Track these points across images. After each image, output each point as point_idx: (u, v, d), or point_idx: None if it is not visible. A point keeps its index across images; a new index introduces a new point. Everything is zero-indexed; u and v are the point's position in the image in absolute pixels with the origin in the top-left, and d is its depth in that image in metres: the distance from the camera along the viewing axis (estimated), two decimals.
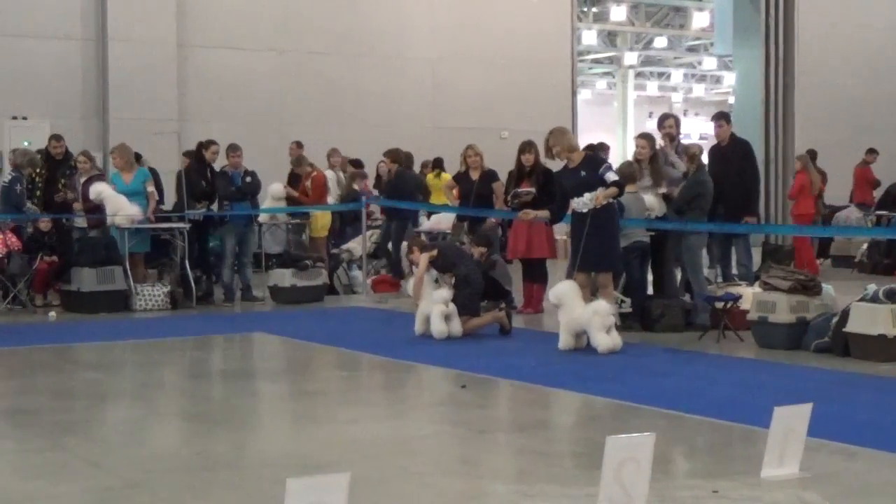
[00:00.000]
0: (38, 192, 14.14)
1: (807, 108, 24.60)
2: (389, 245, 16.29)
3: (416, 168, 19.28)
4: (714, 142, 12.78)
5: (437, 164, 18.23)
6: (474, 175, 13.56)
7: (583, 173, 10.12)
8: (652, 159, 11.73)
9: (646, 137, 12.14)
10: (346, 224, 17.55)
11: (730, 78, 41.35)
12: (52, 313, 13.02)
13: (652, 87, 52.99)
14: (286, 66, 21.23)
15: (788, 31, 24.69)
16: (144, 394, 8.50)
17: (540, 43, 23.46)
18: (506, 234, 15.33)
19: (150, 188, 13.84)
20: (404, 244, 15.65)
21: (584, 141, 14.79)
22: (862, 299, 9.42)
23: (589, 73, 49.47)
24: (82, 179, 14.01)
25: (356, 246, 16.29)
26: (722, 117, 12.88)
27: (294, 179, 16.25)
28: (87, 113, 19.58)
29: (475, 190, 13.46)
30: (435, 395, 8.37)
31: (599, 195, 9.96)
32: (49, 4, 19.33)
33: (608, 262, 10.25)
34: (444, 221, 15.08)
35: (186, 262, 13.89)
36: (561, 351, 9.70)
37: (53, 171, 14.35)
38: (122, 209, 13.43)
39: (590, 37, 40.58)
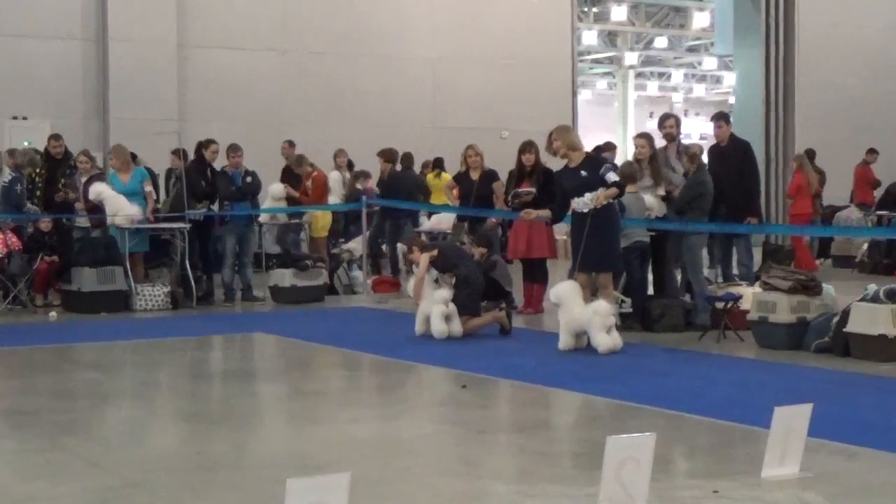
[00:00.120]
0: (38, 192, 14.14)
1: (807, 108, 24.61)
2: (384, 246, 16.32)
3: (417, 168, 19.29)
4: (714, 142, 12.78)
5: (438, 164, 18.24)
6: (474, 175, 13.56)
7: (583, 173, 10.11)
8: (652, 159, 11.72)
9: (645, 137, 12.14)
10: (350, 224, 17.55)
11: (730, 78, 41.34)
12: (53, 313, 13.02)
13: (652, 87, 53.02)
14: (286, 66, 21.24)
15: (789, 31, 24.70)
16: (145, 394, 8.50)
17: (540, 43, 23.47)
18: (506, 235, 15.34)
19: (148, 188, 13.84)
20: (400, 245, 15.72)
21: (584, 141, 14.77)
22: (862, 299, 9.41)
23: (589, 74, 49.49)
24: (83, 179, 14.01)
25: (356, 246, 16.29)
26: (721, 118, 12.88)
27: (287, 177, 16.19)
28: (88, 113, 19.59)
29: (475, 190, 13.46)
30: (435, 395, 8.37)
31: (600, 195, 9.95)
32: (49, 4, 19.34)
33: (608, 262, 10.24)
34: (444, 221, 15.08)
35: (187, 262, 13.89)
36: (561, 351, 9.69)
37: (53, 170, 14.35)
38: (121, 209, 13.43)
39: (590, 37, 40.60)
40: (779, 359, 9.43)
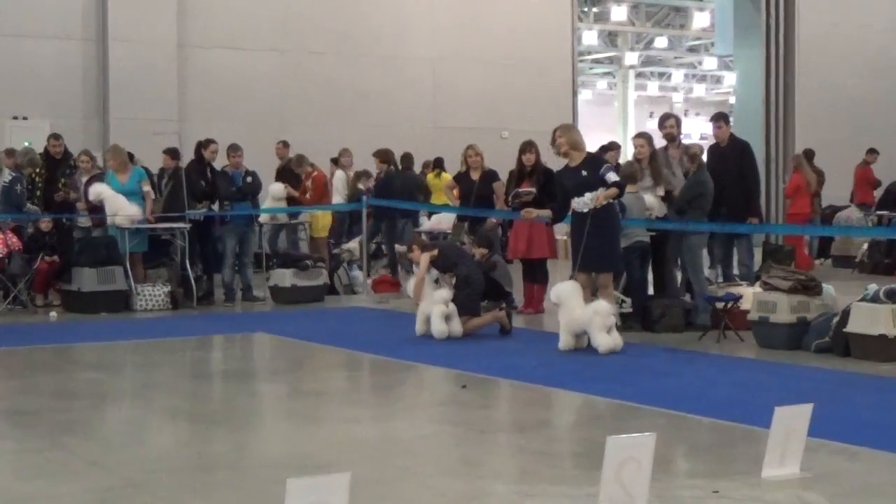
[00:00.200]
0: (38, 192, 14.14)
1: (807, 108, 24.61)
2: (383, 247, 16.33)
3: (417, 168, 19.29)
4: (713, 142, 12.79)
5: (438, 164, 18.24)
6: (475, 175, 13.56)
7: (584, 173, 10.11)
8: (651, 159, 11.72)
9: (644, 137, 12.13)
10: (353, 223, 17.55)
11: (730, 78, 41.35)
12: (53, 313, 13.02)
13: (652, 88, 53.04)
14: (286, 66, 21.22)
15: (789, 31, 24.70)
16: (145, 394, 8.50)
17: (540, 43, 23.46)
18: (506, 235, 15.34)
19: (146, 187, 13.82)
20: (398, 245, 15.72)
21: (585, 141, 14.77)
22: (862, 299, 9.41)
23: (589, 74, 49.50)
24: (84, 179, 14.01)
25: (356, 246, 16.29)
26: (721, 118, 12.87)
27: (281, 178, 16.13)
28: (88, 113, 19.58)
29: (476, 190, 13.46)
30: (435, 396, 8.37)
31: (600, 195, 9.95)
32: (49, 4, 19.33)
33: (608, 262, 10.24)
34: (444, 221, 15.09)
35: (187, 263, 13.90)
36: (561, 351, 9.69)
37: (53, 170, 14.35)
38: (121, 209, 13.43)
39: (590, 37, 40.61)
40: (779, 359, 9.43)
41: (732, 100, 34.12)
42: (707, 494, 5.15)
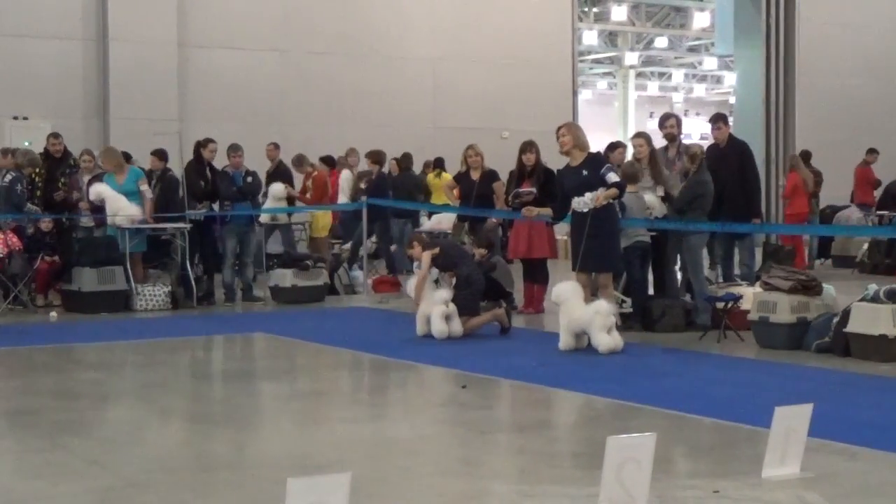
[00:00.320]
0: (38, 192, 14.13)
1: (807, 108, 24.62)
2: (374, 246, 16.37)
3: (418, 168, 19.30)
4: (712, 142, 12.79)
5: (438, 164, 18.24)
6: (475, 175, 13.55)
7: (584, 172, 10.11)
8: (651, 159, 11.72)
9: (642, 136, 12.14)
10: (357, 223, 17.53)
11: (730, 78, 41.38)
12: (53, 313, 13.02)
13: (653, 88, 53.07)
14: (287, 66, 21.23)
15: (789, 31, 24.71)
16: (145, 394, 8.50)
17: (541, 43, 23.47)
18: (506, 235, 15.34)
19: (143, 187, 13.80)
20: (393, 246, 15.72)
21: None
22: (863, 299, 9.41)
23: (590, 74, 49.53)
24: (86, 178, 14.00)
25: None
26: (719, 119, 12.87)
27: (274, 180, 16.05)
28: (88, 113, 19.58)
29: (476, 190, 13.46)
30: (436, 396, 8.37)
31: (599, 195, 9.95)
32: (50, 4, 19.33)
33: (608, 262, 10.24)
34: (444, 221, 15.09)
35: (187, 263, 13.90)
36: (562, 351, 9.69)
37: (53, 169, 14.34)
38: (122, 209, 13.44)
39: (591, 37, 40.63)
40: (779, 359, 9.43)
41: (733, 100, 34.12)
42: (707, 494, 5.15)
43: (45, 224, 13.77)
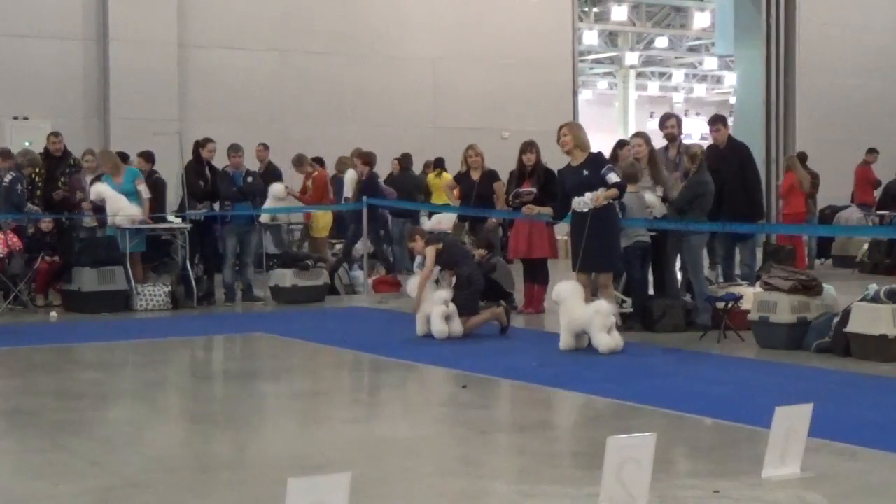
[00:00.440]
0: (38, 192, 14.13)
1: (807, 108, 24.61)
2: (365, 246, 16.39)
3: (418, 168, 19.30)
4: (712, 143, 12.79)
5: (439, 164, 18.23)
6: (475, 175, 13.55)
7: (585, 172, 10.11)
8: (650, 158, 11.72)
9: (642, 136, 12.14)
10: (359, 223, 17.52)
11: (731, 78, 41.38)
12: (54, 313, 13.02)
13: (653, 88, 53.07)
14: (286, 66, 21.22)
15: (789, 31, 24.70)
16: (145, 394, 8.50)
17: (541, 43, 23.45)
18: (506, 235, 15.33)
19: (141, 187, 13.80)
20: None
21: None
22: (863, 299, 9.41)
23: (590, 74, 49.53)
24: (89, 178, 13.99)
25: (357, 246, 16.28)
26: (718, 121, 12.87)
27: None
28: (88, 113, 19.57)
29: (476, 190, 13.46)
30: (436, 396, 8.37)
31: (599, 195, 9.95)
32: (50, 4, 19.32)
33: (608, 262, 10.25)
34: (444, 221, 15.08)
35: (188, 263, 13.90)
36: (562, 351, 9.69)
37: (53, 168, 14.34)
38: (122, 209, 13.44)
39: (591, 37, 40.63)
40: (779, 359, 9.43)
41: (733, 100, 34.12)
42: (707, 494, 5.15)
43: (46, 224, 13.77)
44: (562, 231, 14.44)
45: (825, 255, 19.78)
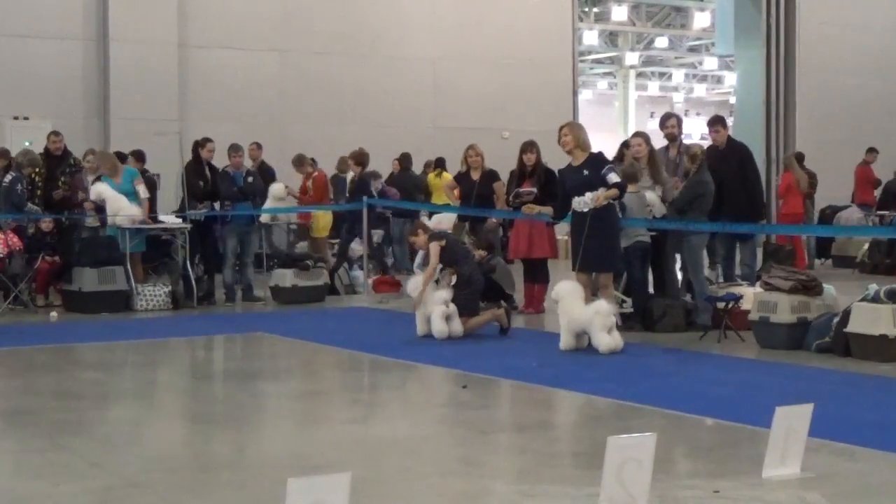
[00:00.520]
0: (38, 192, 14.13)
1: (808, 108, 24.63)
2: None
3: (418, 168, 19.31)
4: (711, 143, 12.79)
5: (440, 164, 18.24)
6: (475, 175, 13.55)
7: (585, 172, 10.11)
8: (650, 158, 11.72)
9: (641, 136, 12.14)
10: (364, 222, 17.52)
11: (731, 78, 41.39)
12: (54, 313, 13.02)
13: (653, 88, 53.10)
14: (287, 66, 21.23)
15: (789, 31, 24.72)
16: (145, 394, 8.50)
17: (541, 43, 23.46)
18: (507, 235, 15.33)
19: (139, 186, 13.79)
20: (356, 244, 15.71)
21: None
22: (863, 299, 9.41)
23: (590, 74, 49.55)
24: (90, 178, 13.99)
25: (357, 246, 16.28)
26: (717, 122, 12.86)
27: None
28: (89, 113, 19.59)
29: (476, 190, 13.45)
30: (436, 396, 8.37)
31: (599, 195, 9.95)
32: (50, 4, 19.33)
33: (608, 262, 10.24)
34: (444, 221, 15.07)
35: (188, 263, 13.90)
36: (562, 351, 9.69)
37: (53, 168, 14.34)
38: (122, 209, 13.44)
39: (591, 37, 40.64)
40: (779, 359, 9.43)
41: (733, 100, 34.13)
42: (708, 494, 5.14)
43: (46, 224, 13.77)
44: (562, 231, 14.44)
45: (825, 255, 19.78)
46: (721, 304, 10.58)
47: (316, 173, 16.85)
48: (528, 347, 10.27)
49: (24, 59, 19.07)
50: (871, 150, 20.99)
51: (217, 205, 14.52)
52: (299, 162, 16.99)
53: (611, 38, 44.23)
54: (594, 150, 10.42)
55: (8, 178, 13.61)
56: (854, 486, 5.40)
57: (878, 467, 5.72)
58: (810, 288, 10.02)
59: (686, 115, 47.58)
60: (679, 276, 11.93)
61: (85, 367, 9.76)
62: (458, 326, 10.65)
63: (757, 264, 13.33)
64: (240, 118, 19.91)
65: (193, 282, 13.90)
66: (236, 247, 14.39)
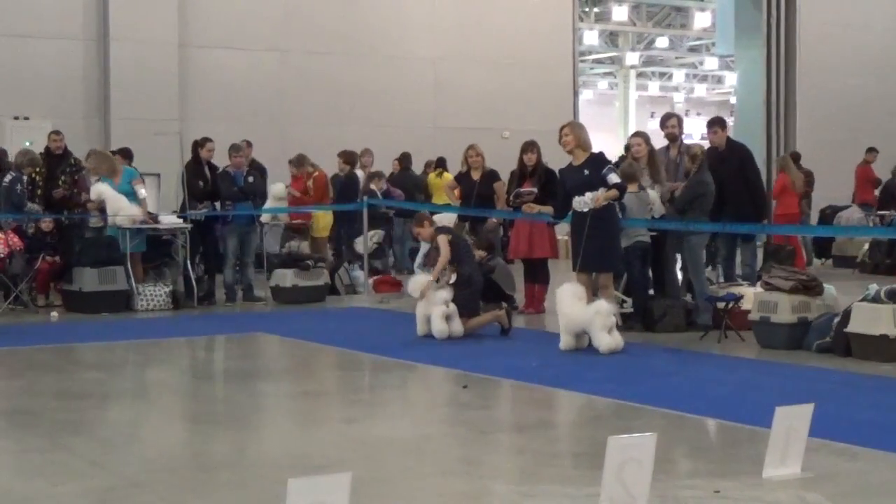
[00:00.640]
0: (38, 191, 14.12)
1: (808, 108, 24.63)
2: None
3: (419, 168, 19.31)
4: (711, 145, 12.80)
5: (440, 164, 18.23)
6: (475, 175, 13.55)
7: (586, 172, 10.11)
8: (650, 158, 11.72)
9: (641, 135, 12.14)
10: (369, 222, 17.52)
11: (731, 78, 41.42)
12: (54, 313, 13.02)
13: (653, 88, 53.10)
14: (286, 66, 21.21)
15: (790, 31, 24.72)
16: (146, 394, 8.50)
17: (541, 43, 23.45)
18: (507, 235, 15.33)
19: (137, 186, 13.78)
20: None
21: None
22: (863, 299, 9.41)
23: (590, 74, 49.55)
24: (93, 179, 13.97)
25: (357, 246, 16.28)
26: (716, 123, 12.85)
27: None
28: (89, 113, 19.57)
29: (476, 190, 13.45)
30: (436, 396, 8.37)
31: (599, 196, 9.95)
32: (50, 4, 19.32)
33: (609, 262, 10.24)
34: (445, 221, 15.06)
35: (188, 263, 13.90)
36: (562, 351, 9.69)
37: (53, 167, 14.33)
38: (123, 209, 13.44)
39: (591, 37, 40.64)
40: (780, 359, 9.43)
41: (733, 100, 34.14)
42: (708, 494, 5.14)
43: (46, 224, 13.76)
44: (562, 231, 14.45)
45: (825, 255, 19.77)
46: (721, 304, 10.58)
47: (317, 173, 16.84)
48: (528, 347, 10.28)
49: (24, 59, 19.06)
50: (872, 150, 20.99)
51: (217, 205, 14.52)
52: (300, 162, 16.98)
53: (611, 38, 44.23)
54: (595, 150, 10.42)
55: (7, 178, 13.60)
56: (854, 486, 5.40)
57: (879, 467, 5.72)
58: (811, 288, 10.02)
59: (686, 115, 47.56)
60: (679, 276, 11.93)
61: (85, 367, 9.76)
62: (458, 326, 10.65)
63: (757, 264, 13.34)
64: (240, 118, 19.89)
65: (194, 282, 13.90)
66: (237, 247, 14.38)
